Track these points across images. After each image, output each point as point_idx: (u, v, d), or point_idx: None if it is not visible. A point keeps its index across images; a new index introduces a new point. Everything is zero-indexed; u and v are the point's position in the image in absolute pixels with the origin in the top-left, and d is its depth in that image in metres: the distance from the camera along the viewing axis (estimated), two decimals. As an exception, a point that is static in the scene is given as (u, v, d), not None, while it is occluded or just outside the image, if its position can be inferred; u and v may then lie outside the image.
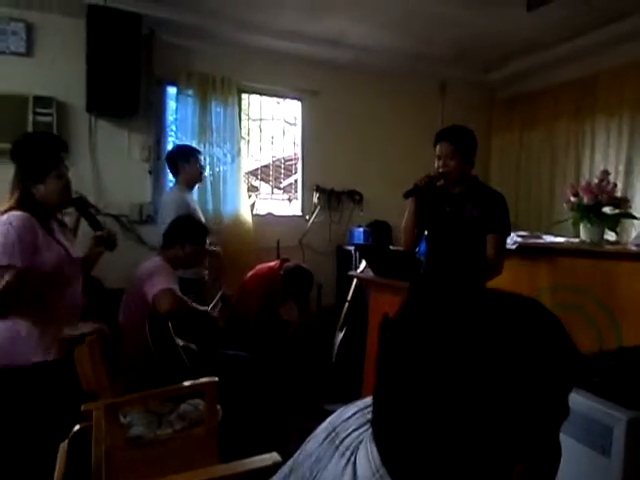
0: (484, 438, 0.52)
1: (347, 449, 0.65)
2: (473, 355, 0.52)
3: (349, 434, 0.68)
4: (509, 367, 0.52)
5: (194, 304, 2.60)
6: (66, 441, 1.72)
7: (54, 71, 3.57)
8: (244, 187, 4.23)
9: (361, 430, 0.68)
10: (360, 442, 0.65)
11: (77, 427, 1.81)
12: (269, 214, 4.55)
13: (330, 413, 0.76)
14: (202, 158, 3.60)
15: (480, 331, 0.53)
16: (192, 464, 1.82)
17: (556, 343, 0.56)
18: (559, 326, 0.57)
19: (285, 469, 0.76)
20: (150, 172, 3.95)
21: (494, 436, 0.52)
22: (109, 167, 3.78)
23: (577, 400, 1.01)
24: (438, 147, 2.45)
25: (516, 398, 0.52)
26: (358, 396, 0.76)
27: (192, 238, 2.68)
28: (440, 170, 2.43)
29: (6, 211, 1.84)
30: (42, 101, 3.48)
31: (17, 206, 1.85)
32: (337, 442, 0.68)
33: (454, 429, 0.52)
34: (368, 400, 0.71)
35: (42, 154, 1.93)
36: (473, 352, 0.52)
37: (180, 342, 2.48)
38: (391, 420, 0.58)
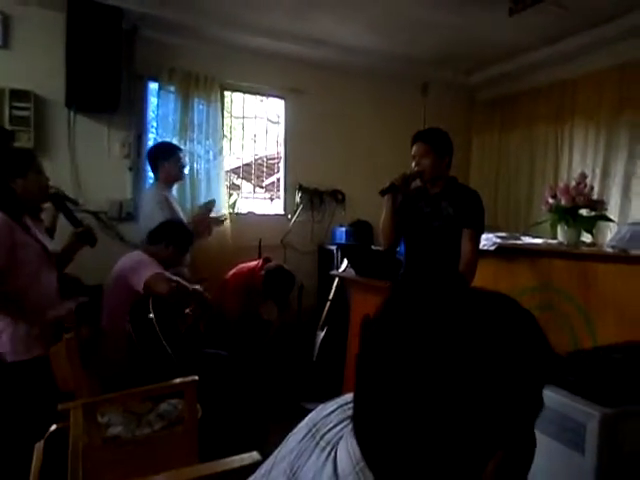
0: (461, 431, 0.53)
1: (328, 444, 0.66)
2: (450, 351, 0.53)
3: (329, 429, 0.69)
4: (484, 362, 0.53)
5: (182, 281, 2.60)
6: (42, 441, 1.69)
7: (32, 64, 3.50)
8: (225, 185, 4.20)
9: (341, 425, 0.69)
10: (340, 437, 0.65)
11: (54, 427, 1.78)
12: (250, 213, 4.53)
13: (310, 412, 0.77)
14: (184, 156, 3.56)
15: (457, 327, 0.55)
16: (171, 464, 1.80)
17: (530, 338, 0.58)
18: (533, 321, 0.59)
19: (265, 466, 0.76)
20: (130, 169, 3.90)
21: (471, 429, 0.53)
22: (88, 163, 3.72)
23: (552, 398, 1.03)
24: (414, 148, 2.54)
25: (492, 392, 0.53)
26: (338, 395, 0.76)
27: (177, 242, 2.76)
28: (415, 169, 2.51)
29: None
30: (19, 95, 3.40)
31: None
32: (318, 437, 0.69)
33: (432, 423, 0.53)
34: (348, 397, 0.72)
35: (20, 149, 1.90)
36: (450, 348, 0.54)
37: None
38: (371, 414, 0.59)
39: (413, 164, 2.54)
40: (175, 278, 2.53)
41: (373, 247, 3.87)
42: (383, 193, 2.55)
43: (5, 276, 1.78)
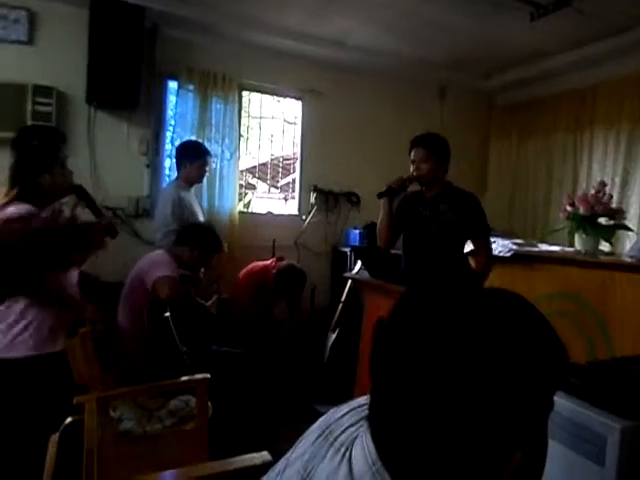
0: (477, 431, 0.53)
1: (342, 445, 0.66)
2: (465, 351, 0.54)
3: (343, 431, 0.69)
4: (499, 362, 0.53)
5: (195, 296, 2.61)
6: (57, 433, 1.71)
7: (55, 61, 3.55)
8: (238, 184, 4.21)
9: (355, 427, 0.68)
10: (355, 438, 0.65)
11: (69, 420, 1.80)
12: (269, 213, 4.55)
13: (321, 414, 0.76)
14: (210, 160, 3.54)
15: (471, 328, 0.55)
16: (181, 460, 1.81)
17: (544, 340, 0.58)
18: (546, 324, 0.59)
19: (278, 467, 0.76)
20: (148, 166, 3.93)
21: (486, 429, 0.54)
22: (107, 159, 3.76)
23: (572, 409, 1.02)
24: (413, 152, 2.60)
25: (506, 392, 0.53)
26: (350, 397, 0.76)
27: (204, 247, 2.72)
28: (414, 174, 2.57)
29: (7, 204, 1.82)
30: (42, 90, 3.45)
31: (19, 197, 1.83)
32: (331, 439, 0.68)
33: (448, 422, 0.54)
34: (361, 400, 0.72)
35: (47, 143, 1.92)
36: (465, 348, 0.54)
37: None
38: (388, 415, 0.59)
39: (411, 168, 2.60)
40: (187, 287, 2.53)
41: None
42: (381, 196, 2.62)
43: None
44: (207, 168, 3.52)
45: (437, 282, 0.64)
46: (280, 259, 3.83)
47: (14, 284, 0.61)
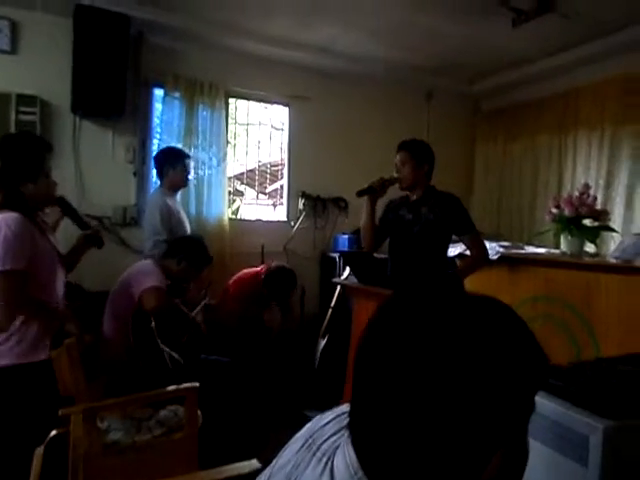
0: (457, 435, 0.53)
1: (324, 455, 0.66)
2: (444, 356, 0.54)
3: (325, 440, 0.69)
4: (478, 367, 0.54)
5: (181, 306, 2.60)
6: (42, 446, 1.69)
7: (39, 70, 3.53)
8: (227, 191, 4.21)
9: (337, 436, 0.68)
10: (337, 447, 0.65)
11: (54, 432, 1.77)
12: (258, 220, 4.55)
13: (311, 420, 0.76)
14: (190, 163, 3.54)
15: (450, 332, 0.55)
16: (171, 470, 1.80)
17: (522, 343, 0.58)
18: (524, 326, 0.59)
19: (263, 476, 0.76)
20: (135, 174, 3.92)
21: (467, 434, 0.54)
22: (93, 168, 3.74)
23: (554, 409, 1.02)
24: (397, 156, 2.68)
25: (486, 396, 0.54)
26: (340, 403, 0.76)
27: (192, 260, 2.70)
28: (394, 175, 2.65)
29: None
30: (25, 100, 3.43)
31: (4, 206, 1.82)
32: (314, 448, 0.68)
33: (428, 428, 0.54)
34: (344, 407, 0.72)
35: (33, 153, 1.90)
36: (444, 353, 0.54)
37: (166, 350, 2.46)
38: (368, 422, 0.58)
39: (395, 171, 2.69)
40: (172, 299, 2.52)
41: (375, 255, 3.86)
42: (360, 194, 2.67)
43: (28, 277, 1.79)
44: (190, 171, 3.51)
45: (418, 287, 0.64)
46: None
47: None
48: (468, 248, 2.70)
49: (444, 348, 0.54)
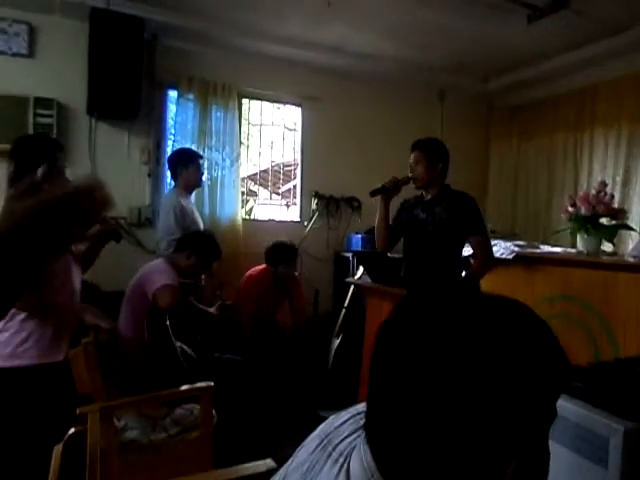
0: (476, 438, 0.53)
1: (340, 455, 0.65)
2: (463, 358, 0.53)
3: (342, 440, 0.68)
4: (498, 370, 0.53)
5: (195, 303, 2.61)
6: (61, 444, 1.71)
7: (55, 73, 3.58)
8: (240, 192, 4.23)
9: (354, 436, 0.67)
10: (353, 448, 0.64)
11: (72, 430, 1.80)
12: (271, 220, 4.56)
13: (325, 420, 0.76)
14: (203, 163, 3.57)
15: (469, 335, 0.54)
16: (186, 469, 1.81)
17: (544, 347, 0.57)
18: (547, 330, 0.58)
19: (277, 477, 0.75)
20: (149, 175, 3.95)
21: (485, 437, 0.53)
22: (108, 169, 3.77)
23: (574, 411, 1.01)
24: (411, 155, 2.67)
25: (506, 400, 0.53)
26: (354, 403, 0.75)
27: (201, 254, 2.70)
28: (409, 175, 2.64)
29: None
30: (43, 102, 3.48)
31: None
32: (330, 449, 0.67)
33: (447, 430, 0.53)
34: (360, 407, 0.71)
35: (44, 152, 1.92)
36: (463, 355, 0.53)
37: (178, 344, 2.48)
38: (385, 423, 0.58)
39: (409, 170, 2.68)
40: (186, 296, 2.53)
41: (389, 255, 3.85)
42: (373, 194, 2.66)
43: (45, 279, 1.80)
44: (203, 171, 3.55)
45: (435, 287, 0.63)
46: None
47: (19, 276, 0.58)
48: (473, 250, 2.64)
49: (463, 349, 0.53)
